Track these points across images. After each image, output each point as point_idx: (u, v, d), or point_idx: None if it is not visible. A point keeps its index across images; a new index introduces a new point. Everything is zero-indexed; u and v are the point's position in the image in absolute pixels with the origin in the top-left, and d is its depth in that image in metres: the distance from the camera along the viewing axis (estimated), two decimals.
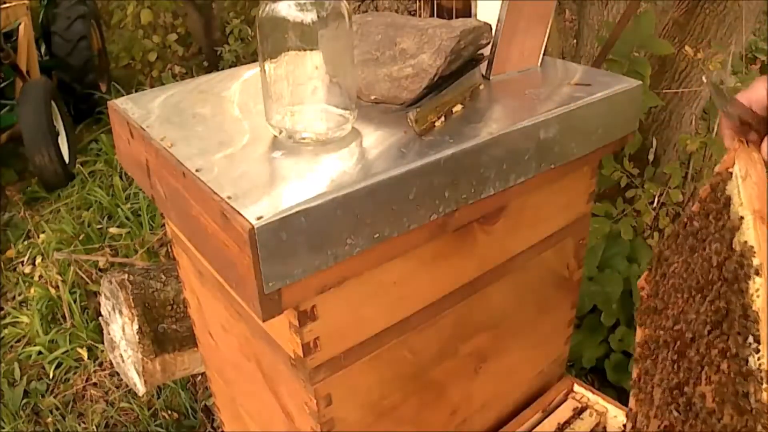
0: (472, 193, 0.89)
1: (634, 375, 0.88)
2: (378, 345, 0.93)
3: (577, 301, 1.31)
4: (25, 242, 2.89)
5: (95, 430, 2.02)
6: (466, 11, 1.19)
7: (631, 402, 0.89)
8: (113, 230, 2.81)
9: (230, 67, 3.09)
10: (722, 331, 0.73)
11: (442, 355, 1.05)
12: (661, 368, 0.83)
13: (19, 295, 2.59)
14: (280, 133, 0.88)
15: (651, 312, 0.87)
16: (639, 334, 0.89)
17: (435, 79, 0.94)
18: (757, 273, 0.71)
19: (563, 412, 1.26)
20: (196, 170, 0.81)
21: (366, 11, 1.84)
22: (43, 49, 4.14)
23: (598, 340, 1.94)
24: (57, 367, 2.25)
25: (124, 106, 1.03)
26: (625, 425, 0.91)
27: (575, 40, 2.59)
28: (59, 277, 2.49)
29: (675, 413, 0.79)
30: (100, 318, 1.74)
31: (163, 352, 1.61)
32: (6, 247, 2.91)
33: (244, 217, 0.71)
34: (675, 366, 0.80)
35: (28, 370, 2.28)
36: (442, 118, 0.91)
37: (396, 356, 0.97)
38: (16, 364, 2.27)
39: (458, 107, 0.95)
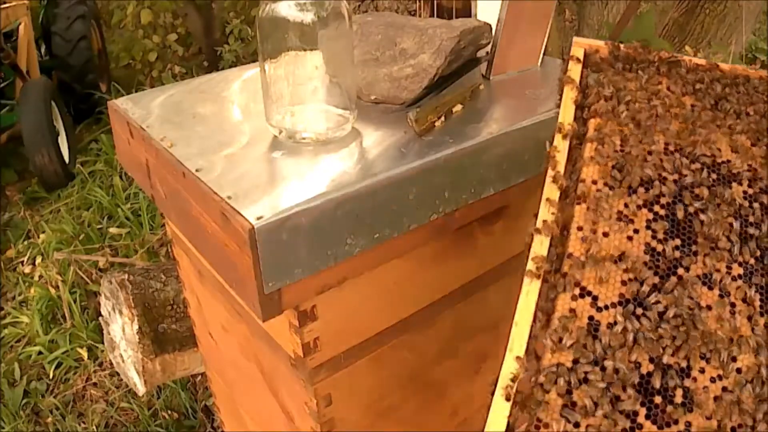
0: (472, 193, 0.89)
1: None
2: (378, 345, 0.93)
3: None
4: (25, 242, 2.88)
5: (95, 430, 2.02)
6: (466, 11, 1.19)
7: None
8: (113, 230, 2.81)
9: (230, 67, 3.09)
10: None
11: (442, 355, 1.05)
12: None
13: (19, 295, 2.58)
14: (280, 133, 0.88)
15: None
16: None
17: (435, 79, 0.94)
18: None
19: None
20: (196, 170, 0.81)
21: (366, 11, 1.84)
22: (43, 49, 4.14)
23: None
24: (57, 367, 2.25)
25: (124, 106, 1.03)
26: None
27: None
28: (59, 277, 2.48)
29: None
30: (100, 318, 1.74)
31: (163, 352, 1.61)
32: (6, 247, 2.90)
33: (244, 217, 0.71)
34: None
35: (28, 370, 2.28)
36: (442, 118, 0.91)
37: (396, 356, 0.97)
38: (16, 364, 2.27)
39: (458, 107, 0.95)
